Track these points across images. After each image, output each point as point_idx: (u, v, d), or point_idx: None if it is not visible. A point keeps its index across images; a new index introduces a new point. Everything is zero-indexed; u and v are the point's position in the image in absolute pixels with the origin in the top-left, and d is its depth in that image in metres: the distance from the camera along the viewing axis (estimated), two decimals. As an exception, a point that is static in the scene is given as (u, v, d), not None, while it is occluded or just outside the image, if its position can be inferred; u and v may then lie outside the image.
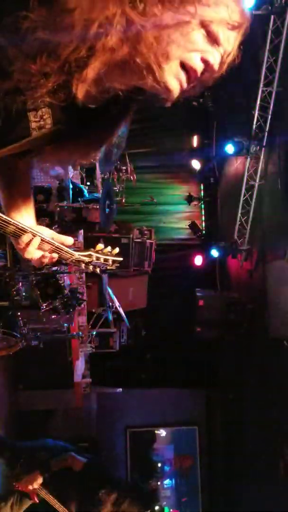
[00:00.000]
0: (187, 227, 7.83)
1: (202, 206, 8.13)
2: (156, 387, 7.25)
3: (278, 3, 4.84)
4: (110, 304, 5.74)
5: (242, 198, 6.15)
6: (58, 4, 0.91)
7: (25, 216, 1.38)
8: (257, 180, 5.90)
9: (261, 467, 5.65)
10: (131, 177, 6.22)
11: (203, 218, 8.14)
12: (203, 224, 8.11)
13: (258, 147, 5.69)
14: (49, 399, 6.06)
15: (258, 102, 5.39)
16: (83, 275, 5.77)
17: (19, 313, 3.54)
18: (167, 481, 7.26)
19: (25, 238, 1.28)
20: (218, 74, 1.04)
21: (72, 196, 5.13)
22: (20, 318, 3.55)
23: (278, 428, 5.23)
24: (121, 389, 6.85)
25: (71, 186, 5.00)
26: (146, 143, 7.58)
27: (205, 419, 7.36)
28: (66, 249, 1.42)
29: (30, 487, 3.28)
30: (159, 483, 7.20)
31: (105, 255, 1.57)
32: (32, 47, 0.93)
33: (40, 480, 3.30)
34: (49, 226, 3.67)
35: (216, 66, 1.02)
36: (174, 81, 0.99)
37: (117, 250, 1.57)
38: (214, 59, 1.00)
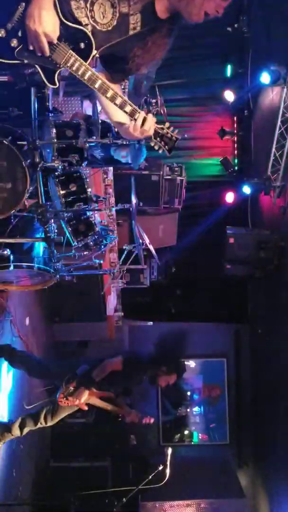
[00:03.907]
0: (219, 163, 7.63)
1: (235, 140, 7.86)
2: (186, 321, 7.45)
3: None
4: (141, 241, 5.79)
5: (277, 132, 5.90)
6: None
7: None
8: (294, 112, 5.63)
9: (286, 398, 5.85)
10: (161, 111, 6.02)
11: (236, 153, 7.89)
12: (236, 159, 7.87)
13: (296, 76, 5.38)
14: (84, 331, 6.36)
15: (298, 25, 5.03)
16: (114, 212, 5.81)
17: (53, 249, 3.64)
18: (196, 409, 7.63)
19: (140, 115, 1.95)
20: None
21: (101, 132, 5.03)
22: (53, 254, 3.66)
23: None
24: (152, 323, 7.09)
25: (99, 120, 4.90)
26: (176, 74, 7.23)
27: (234, 352, 7.57)
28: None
29: (78, 402, 3.55)
30: (188, 410, 7.60)
31: (170, 132, 2.09)
32: None
33: (86, 394, 3.57)
34: (79, 162, 3.66)
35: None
36: None
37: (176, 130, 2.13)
38: None
